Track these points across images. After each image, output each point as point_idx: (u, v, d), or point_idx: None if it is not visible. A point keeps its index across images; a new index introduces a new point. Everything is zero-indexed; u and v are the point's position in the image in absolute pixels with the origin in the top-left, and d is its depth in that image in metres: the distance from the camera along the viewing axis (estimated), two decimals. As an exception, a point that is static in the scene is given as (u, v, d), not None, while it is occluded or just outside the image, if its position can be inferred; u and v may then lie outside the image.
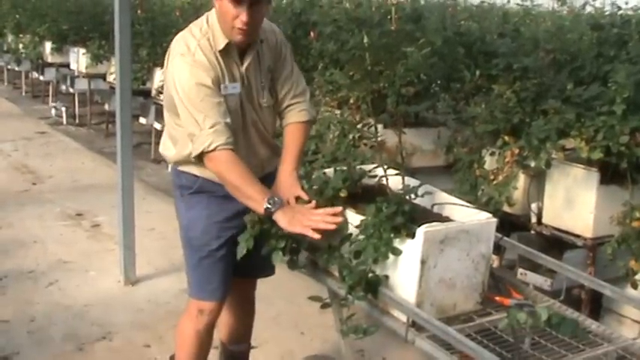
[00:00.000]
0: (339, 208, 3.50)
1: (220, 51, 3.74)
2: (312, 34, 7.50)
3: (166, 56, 3.85)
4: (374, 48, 3.52)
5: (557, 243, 5.40)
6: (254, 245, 3.71)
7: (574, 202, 5.26)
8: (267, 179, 3.84)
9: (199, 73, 3.64)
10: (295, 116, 4.01)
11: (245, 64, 3.82)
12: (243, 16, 3.63)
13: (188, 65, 3.67)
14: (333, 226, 3.43)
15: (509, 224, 5.44)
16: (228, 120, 3.65)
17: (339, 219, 3.47)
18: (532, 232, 5.56)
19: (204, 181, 3.89)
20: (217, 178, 3.74)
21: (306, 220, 3.46)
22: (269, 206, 3.51)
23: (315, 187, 3.74)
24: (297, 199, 3.65)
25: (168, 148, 4.01)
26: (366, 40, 3.48)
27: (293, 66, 4.07)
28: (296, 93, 4.02)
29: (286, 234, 3.57)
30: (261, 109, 3.92)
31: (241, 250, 3.70)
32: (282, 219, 3.50)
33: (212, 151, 3.57)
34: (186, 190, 4.00)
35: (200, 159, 3.64)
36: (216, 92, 3.66)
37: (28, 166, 10.34)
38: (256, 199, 3.56)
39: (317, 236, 3.41)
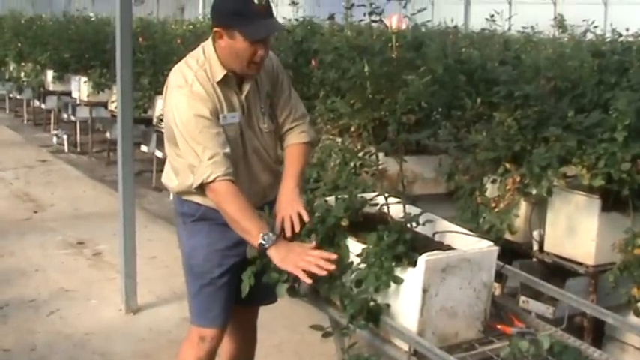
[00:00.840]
0: (334, 255, 3.51)
1: (218, 82, 3.76)
2: (313, 62, 7.52)
3: (164, 88, 3.87)
4: (375, 76, 3.53)
5: (559, 270, 5.38)
6: (255, 273, 3.71)
7: (576, 229, 5.25)
8: (269, 207, 3.85)
9: (197, 104, 3.67)
10: (295, 138, 4.06)
11: (244, 93, 3.85)
12: (262, 51, 3.72)
13: (185, 97, 3.69)
14: (324, 272, 3.46)
15: (511, 252, 5.41)
16: (228, 150, 3.67)
17: (332, 266, 3.48)
18: (534, 259, 5.54)
19: (207, 209, 3.91)
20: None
21: (299, 261, 3.49)
22: (263, 242, 3.55)
23: (317, 215, 3.74)
24: (301, 222, 3.66)
25: (170, 179, 4.02)
26: (366, 68, 3.49)
27: (291, 90, 4.12)
28: (296, 116, 4.08)
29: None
30: (262, 134, 3.95)
31: (244, 288, 3.71)
32: (275, 255, 3.54)
33: (211, 182, 3.61)
34: (189, 218, 4.01)
35: (201, 189, 3.67)
36: (214, 123, 3.68)
37: (29, 195, 10.35)
38: (252, 234, 3.60)
39: (308, 280, 3.47)
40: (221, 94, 3.77)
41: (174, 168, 3.96)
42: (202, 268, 4.01)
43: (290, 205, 3.73)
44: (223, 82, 3.79)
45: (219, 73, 3.77)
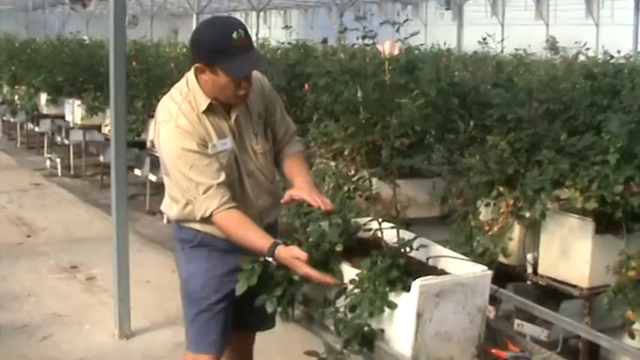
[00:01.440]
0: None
1: (204, 111, 3.77)
2: (306, 85, 7.53)
3: (153, 122, 3.89)
4: (367, 101, 3.54)
5: (554, 293, 5.37)
6: (252, 298, 3.71)
7: (570, 252, 5.25)
8: (268, 231, 3.87)
9: (183, 138, 3.69)
10: (292, 147, 4.11)
11: (233, 117, 3.85)
12: (245, 83, 3.74)
13: (171, 132, 3.72)
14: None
15: (505, 275, 5.42)
16: (222, 178, 3.71)
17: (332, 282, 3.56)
18: (528, 282, 5.54)
19: (205, 235, 3.92)
20: (218, 233, 3.82)
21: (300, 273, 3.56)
22: (269, 250, 3.60)
23: (311, 239, 3.73)
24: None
25: (169, 207, 4.02)
26: (359, 93, 3.50)
27: (282, 109, 4.15)
28: (292, 132, 4.14)
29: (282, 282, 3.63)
30: (256, 156, 3.94)
31: (241, 288, 3.68)
32: (282, 260, 3.59)
33: (210, 216, 3.66)
34: (187, 243, 4.01)
35: (205, 219, 3.72)
36: (203, 154, 3.70)
37: (22, 219, 10.31)
38: (257, 245, 3.65)
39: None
40: (208, 123, 3.78)
41: (171, 197, 3.96)
42: (200, 294, 3.99)
43: (308, 192, 3.77)
44: (210, 111, 3.79)
45: (204, 103, 3.78)
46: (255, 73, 3.97)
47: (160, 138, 3.78)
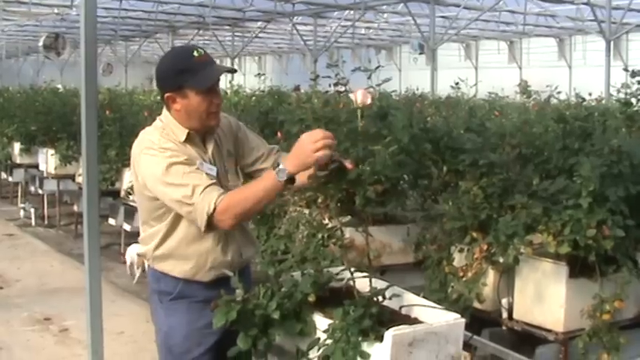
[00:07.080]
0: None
1: (182, 142, 3.77)
2: (279, 133, 7.53)
3: (132, 161, 3.83)
4: (339, 150, 3.52)
5: (529, 338, 5.37)
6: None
7: (544, 296, 5.25)
8: (246, 270, 3.97)
9: (171, 155, 3.67)
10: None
11: (210, 150, 3.88)
12: (216, 98, 3.78)
13: (157, 154, 3.69)
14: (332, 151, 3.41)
15: (480, 320, 5.41)
16: (214, 180, 3.67)
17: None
18: (503, 327, 5.53)
19: (185, 285, 3.89)
20: (199, 276, 3.83)
21: (312, 151, 3.40)
22: (279, 175, 3.48)
23: (284, 289, 3.71)
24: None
25: (145, 241, 3.97)
26: (329, 142, 3.48)
27: (255, 135, 4.19)
28: (274, 151, 4.14)
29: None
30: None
31: (218, 320, 3.59)
32: (294, 166, 3.46)
33: (214, 211, 3.56)
34: (166, 296, 3.96)
35: (211, 227, 3.62)
36: (194, 166, 3.68)
37: (-5, 270, 10.23)
38: (267, 183, 3.55)
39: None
40: (190, 149, 3.79)
41: (149, 234, 3.92)
42: (182, 347, 3.93)
43: None
44: (189, 141, 3.80)
45: (182, 133, 3.79)
46: (224, 113, 4.01)
47: (143, 166, 3.73)
